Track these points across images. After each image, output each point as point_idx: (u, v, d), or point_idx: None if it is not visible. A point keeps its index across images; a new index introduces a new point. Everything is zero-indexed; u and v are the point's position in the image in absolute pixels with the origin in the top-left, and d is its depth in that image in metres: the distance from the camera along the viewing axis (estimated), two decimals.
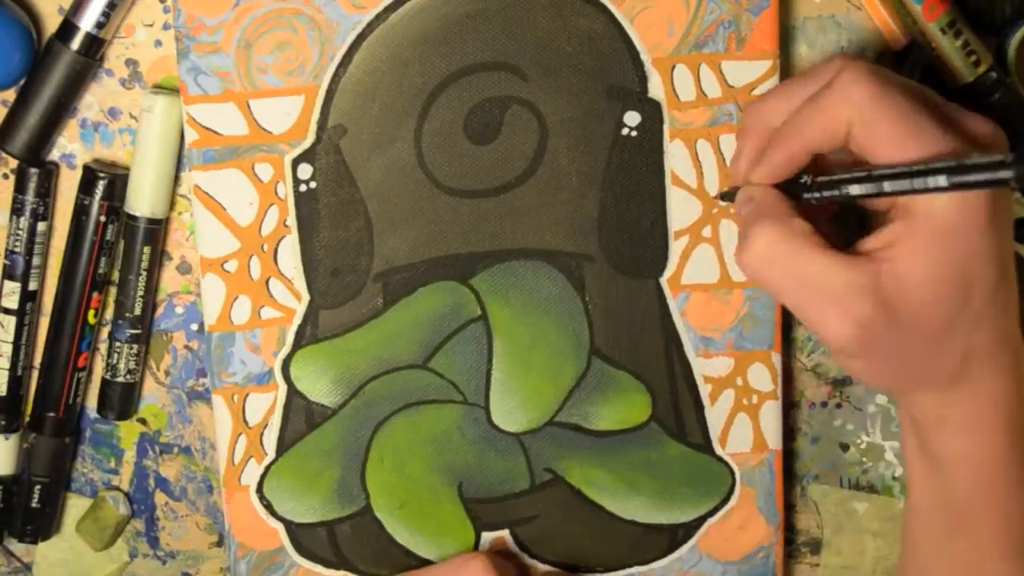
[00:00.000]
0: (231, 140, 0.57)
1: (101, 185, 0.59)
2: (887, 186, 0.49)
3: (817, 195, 0.52)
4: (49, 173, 0.59)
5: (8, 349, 0.60)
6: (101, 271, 0.60)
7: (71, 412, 0.61)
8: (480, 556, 0.60)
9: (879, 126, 0.49)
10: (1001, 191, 0.50)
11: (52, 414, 0.61)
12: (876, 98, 0.49)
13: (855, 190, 0.50)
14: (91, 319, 0.60)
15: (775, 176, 0.53)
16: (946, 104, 0.52)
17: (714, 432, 0.62)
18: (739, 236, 0.53)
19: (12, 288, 0.59)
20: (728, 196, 0.57)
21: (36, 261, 0.60)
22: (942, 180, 0.47)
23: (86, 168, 0.59)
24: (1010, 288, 0.52)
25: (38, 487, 0.62)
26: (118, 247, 0.60)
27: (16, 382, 0.61)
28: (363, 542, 0.61)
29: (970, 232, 0.49)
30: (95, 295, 0.60)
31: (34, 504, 0.62)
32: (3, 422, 0.61)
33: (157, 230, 0.59)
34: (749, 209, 0.53)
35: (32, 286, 0.60)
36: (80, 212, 0.59)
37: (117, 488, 0.64)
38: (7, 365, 0.60)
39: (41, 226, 0.59)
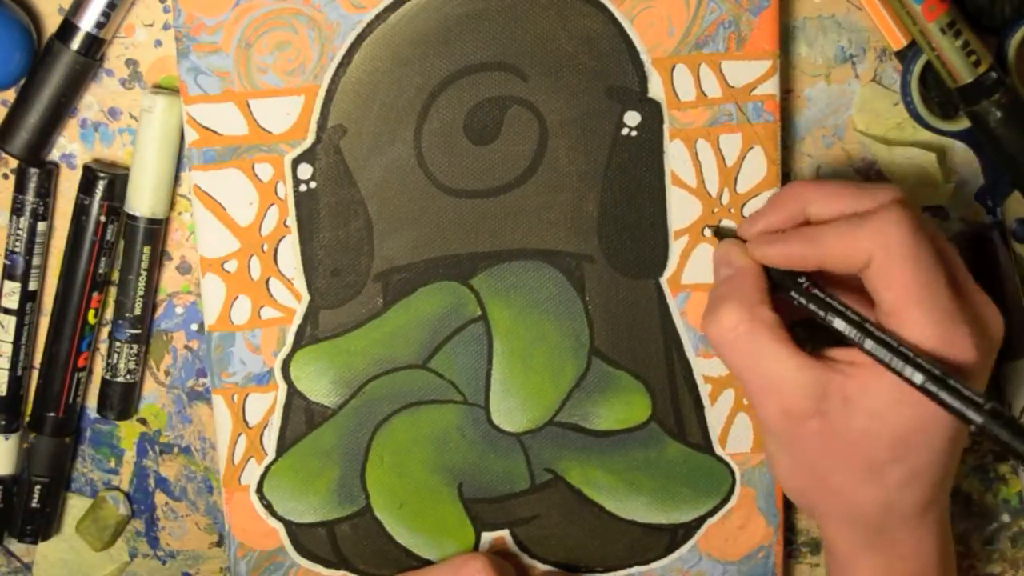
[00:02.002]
0: (231, 140, 0.57)
1: (101, 185, 0.59)
2: (868, 344, 0.50)
3: (802, 301, 0.53)
4: (49, 173, 0.59)
5: (8, 349, 0.60)
6: (101, 271, 0.60)
7: (71, 412, 0.61)
8: (479, 557, 0.60)
9: (894, 279, 0.50)
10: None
11: (52, 414, 0.61)
12: (905, 252, 0.50)
13: (838, 324, 0.52)
14: (91, 319, 0.60)
15: (774, 264, 0.54)
16: (967, 279, 0.53)
17: (714, 432, 0.62)
18: (709, 300, 0.55)
19: (12, 288, 0.59)
20: (720, 233, 0.57)
21: (36, 261, 0.60)
22: (918, 377, 0.49)
23: (86, 168, 0.59)
24: (952, 465, 0.53)
25: (38, 487, 0.62)
26: (118, 247, 0.60)
27: (16, 382, 0.61)
28: (363, 542, 0.61)
29: (939, 422, 0.51)
30: (95, 295, 0.60)
31: (34, 504, 0.62)
32: (3, 422, 0.61)
33: (157, 230, 0.59)
34: (726, 275, 0.55)
35: (32, 286, 0.60)
36: (80, 212, 0.59)
37: (117, 488, 0.64)
38: (7, 365, 0.60)
39: (41, 226, 0.59)
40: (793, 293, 0.53)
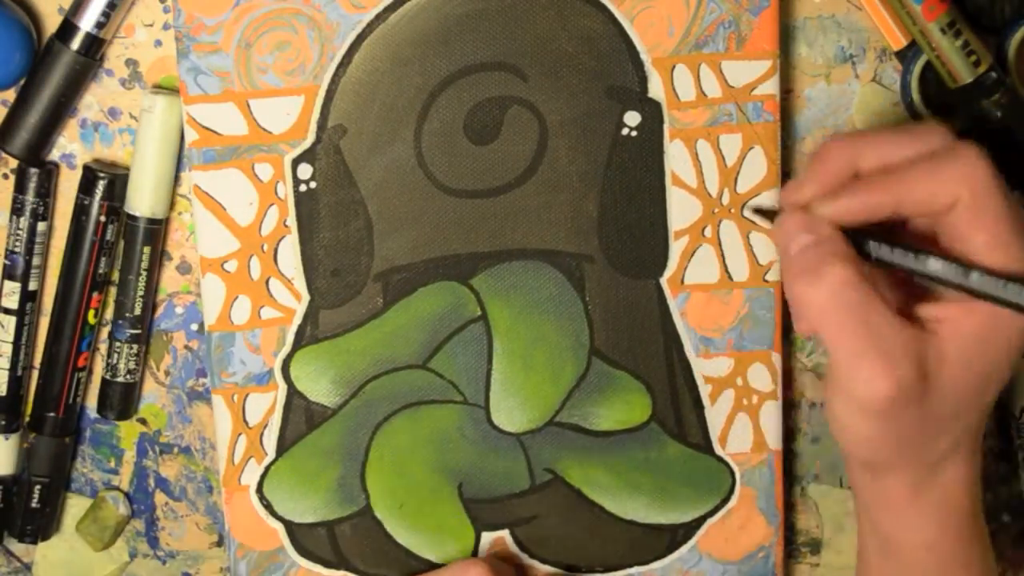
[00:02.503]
0: (231, 140, 0.57)
1: (101, 185, 0.58)
2: (975, 278, 0.48)
3: (887, 257, 0.50)
4: (49, 173, 0.59)
5: (8, 349, 0.60)
6: (101, 271, 0.60)
7: (71, 412, 0.61)
8: (479, 562, 0.60)
9: (987, 217, 0.48)
10: None
11: (52, 414, 0.61)
12: (994, 189, 0.48)
13: (934, 267, 0.49)
14: (91, 319, 0.60)
15: (850, 217, 0.50)
16: None
17: (714, 432, 0.62)
18: (798, 268, 0.50)
19: (12, 288, 0.59)
20: (765, 214, 0.54)
21: (36, 261, 0.60)
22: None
23: (86, 168, 0.59)
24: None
25: (38, 487, 0.62)
26: (118, 247, 0.60)
27: (16, 382, 0.61)
28: (363, 542, 0.61)
29: (1016, 337, 0.49)
30: (95, 295, 0.60)
31: (34, 504, 0.62)
32: (3, 422, 0.61)
33: (157, 230, 0.59)
34: (806, 243, 0.50)
35: (32, 286, 0.60)
36: (80, 212, 0.59)
37: (117, 488, 0.64)
38: (7, 365, 0.60)
39: (41, 226, 0.59)
40: (873, 252, 0.50)
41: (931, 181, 0.48)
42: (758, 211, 0.56)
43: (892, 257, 0.50)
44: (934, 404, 0.50)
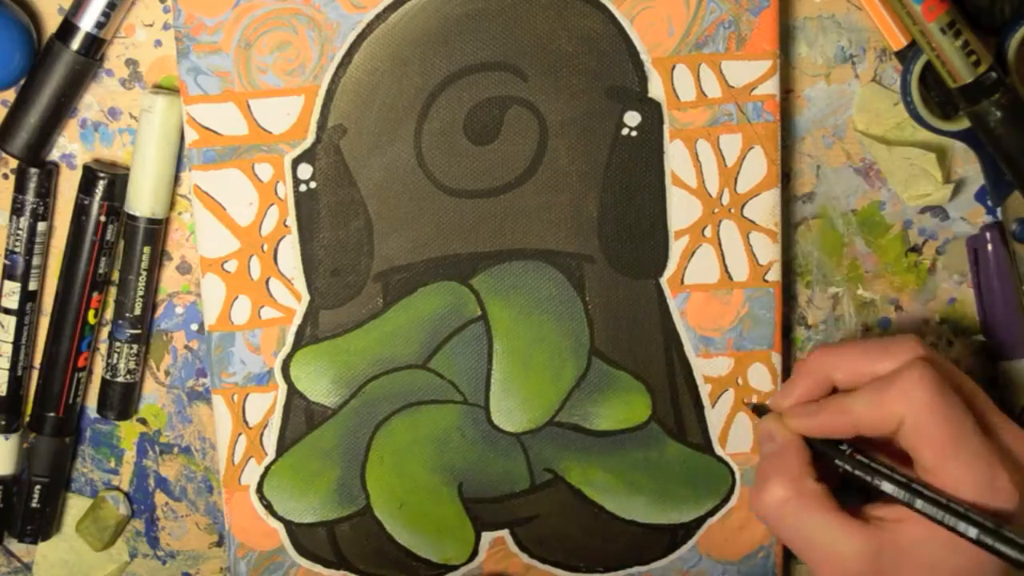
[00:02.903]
0: (231, 140, 0.57)
1: (101, 185, 0.58)
2: (919, 504, 0.51)
3: (848, 469, 0.54)
4: (49, 173, 0.59)
5: (8, 349, 0.60)
6: (101, 271, 0.60)
7: (71, 412, 0.61)
8: None
9: (927, 436, 0.51)
10: None
11: (52, 414, 0.61)
12: (933, 409, 0.51)
13: (887, 488, 0.52)
14: (91, 319, 0.60)
15: (811, 434, 0.55)
16: (996, 416, 0.54)
17: (714, 432, 0.62)
18: (756, 476, 0.55)
19: (12, 288, 0.59)
20: (759, 410, 0.58)
21: (36, 261, 0.60)
22: (972, 531, 0.50)
23: (86, 168, 0.59)
24: None
25: (38, 487, 0.62)
26: (118, 247, 0.60)
27: (16, 382, 0.61)
28: (363, 542, 0.61)
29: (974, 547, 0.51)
30: (95, 295, 0.60)
31: (34, 504, 0.62)
32: (3, 422, 0.61)
33: (157, 230, 0.59)
34: (770, 450, 0.55)
35: (32, 286, 0.60)
36: (80, 212, 0.59)
37: (117, 488, 0.64)
38: (7, 365, 0.60)
39: (41, 226, 0.59)
40: (838, 461, 0.54)
41: (876, 407, 0.52)
42: (755, 407, 0.60)
43: (853, 472, 0.54)
44: None
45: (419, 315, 0.59)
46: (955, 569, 0.52)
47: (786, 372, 0.63)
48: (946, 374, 0.53)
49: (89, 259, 0.59)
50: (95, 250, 0.59)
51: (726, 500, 0.62)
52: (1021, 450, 0.53)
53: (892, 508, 0.53)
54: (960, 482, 0.51)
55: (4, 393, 0.60)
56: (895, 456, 0.54)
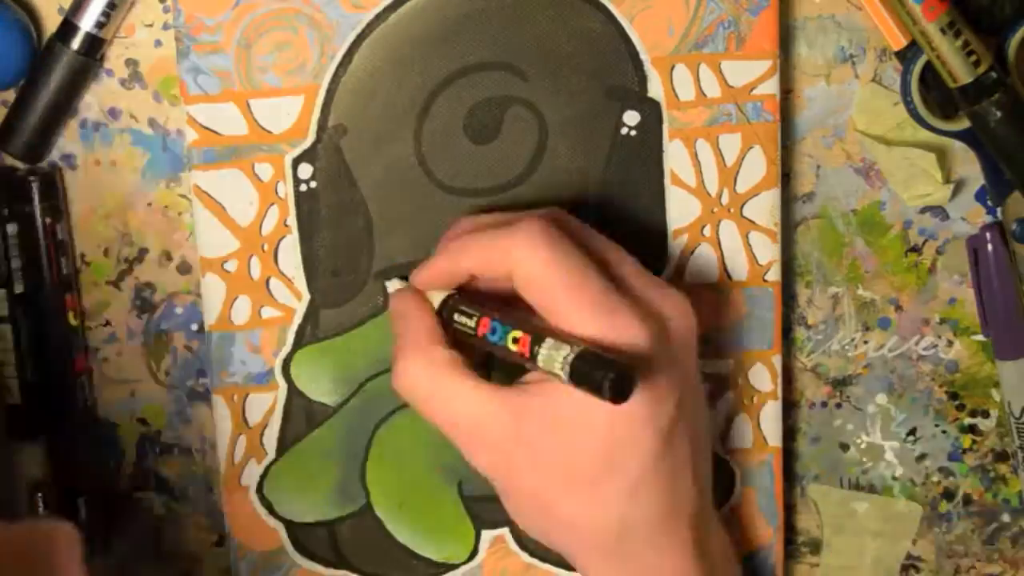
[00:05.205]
0: (231, 140, 0.57)
1: (35, 187, 0.58)
2: (511, 342, 0.50)
3: (454, 319, 0.53)
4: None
5: (11, 357, 0.59)
6: (65, 271, 0.59)
7: (71, 413, 0.61)
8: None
9: (542, 279, 0.50)
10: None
11: (53, 415, 0.61)
12: (545, 252, 0.50)
13: (472, 325, 0.52)
14: (72, 321, 0.60)
15: (427, 284, 0.54)
16: (637, 274, 0.53)
17: (714, 432, 0.61)
18: (393, 353, 0.53)
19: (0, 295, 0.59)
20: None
21: (15, 264, 0.58)
22: (557, 366, 0.48)
23: (12, 174, 0.58)
24: (681, 473, 0.52)
25: (40, 493, 0.61)
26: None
27: (30, 389, 0.60)
28: (363, 542, 0.61)
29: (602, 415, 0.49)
30: (68, 296, 0.59)
31: (40, 511, 0.62)
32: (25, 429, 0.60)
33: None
34: (400, 328, 0.54)
35: (18, 290, 0.59)
36: (26, 220, 0.58)
37: None
38: (14, 374, 0.59)
39: (10, 228, 0.58)
40: (444, 314, 0.53)
41: (489, 247, 0.51)
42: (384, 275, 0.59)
43: (455, 321, 0.53)
44: (554, 469, 0.51)
45: None
46: (598, 428, 0.49)
47: (786, 372, 0.63)
48: (571, 230, 0.52)
49: (50, 263, 0.58)
50: (52, 252, 0.58)
51: (726, 500, 0.62)
52: (667, 304, 0.52)
53: (536, 372, 0.51)
54: (577, 325, 0.49)
55: (19, 401, 0.60)
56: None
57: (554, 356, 0.48)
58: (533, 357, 0.49)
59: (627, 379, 0.46)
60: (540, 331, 0.49)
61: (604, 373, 0.46)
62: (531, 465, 0.51)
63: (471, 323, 0.52)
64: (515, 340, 0.50)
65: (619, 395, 0.46)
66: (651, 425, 0.50)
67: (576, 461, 0.50)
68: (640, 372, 0.48)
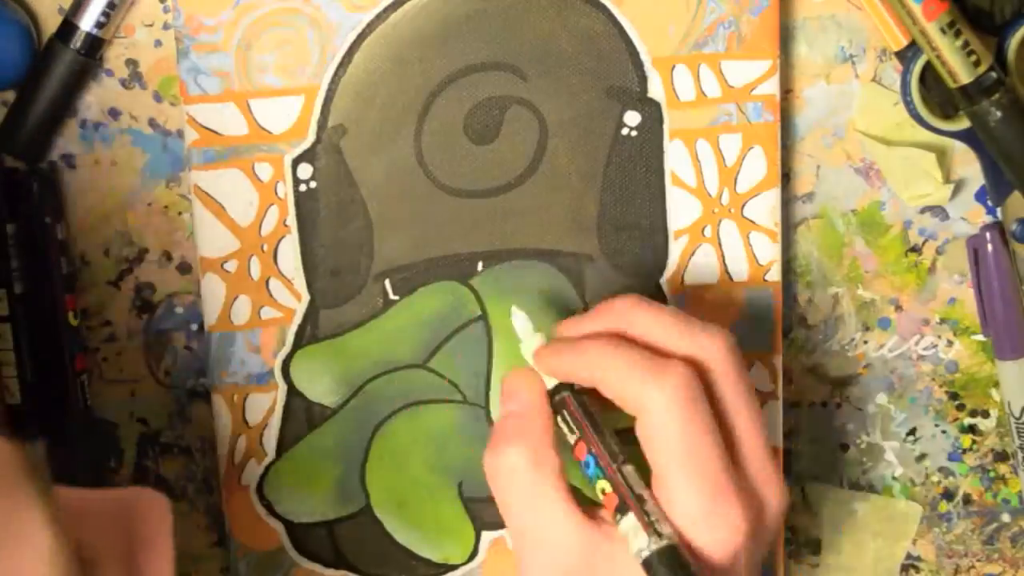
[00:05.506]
0: (231, 140, 0.57)
1: (35, 187, 0.58)
2: (600, 480, 0.49)
3: (564, 415, 0.51)
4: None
5: (11, 357, 0.59)
6: (65, 271, 0.59)
7: (71, 413, 0.61)
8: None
9: (660, 440, 0.48)
10: None
11: (53, 416, 0.61)
12: (674, 415, 0.48)
13: (571, 440, 0.50)
14: (72, 321, 0.60)
15: (551, 371, 0.52)
16: (756, 452, 0.50)
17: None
18: (494, 434, 0.51)
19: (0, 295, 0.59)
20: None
21: (15, 264, 0.58)
22: (642, 541, 0.47)
23: (10, 174, 0.58)
24: None
25: None
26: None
27: (30, 389, 0.60)
28: (363, 542, 0.61)
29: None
30: (68, 296, 0.59)
31: None
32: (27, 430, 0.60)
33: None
34: (512, 409, 0.52)
35: (18, 289, 0.59)
36: (29, 219, 0.58)
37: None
38: (14, 373, 0.59)
39: (10, 228, 0.58)
40: (552, 398, 0.52)
41: (624, 384, 0.49)
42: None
43: (560, 420, 0.51)
44: None
45: (419, 315, 0.59)
46: None
47: (786, 372, 0.63)
48: (720, 377, 0.50)
49: (52, 262, 0.58)
50: (54, 251, 0.58)
51: None
52: (768, 493, 0.50)
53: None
54: (679, 497, 0.48)
55: (19, 401, 0.60)
56: None
57: (634, 536, 0.47)
58: (619, 514, 0.48)
59: None
60: (626, 500, 0.48)
61: None
62: None
63: (570, 438, 0.51)
64: (603, 491, 0.49)
65: None
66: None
67: None
68: (724, 558, 0.48)
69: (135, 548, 0.42)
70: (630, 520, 0.48)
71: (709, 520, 0.47)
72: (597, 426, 0.50)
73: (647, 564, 0.46)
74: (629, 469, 0.49)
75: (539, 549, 0.50)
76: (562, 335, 0.53)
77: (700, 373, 0.49)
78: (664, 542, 0.46)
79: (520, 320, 0.54)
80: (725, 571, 0.48)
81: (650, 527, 0.47)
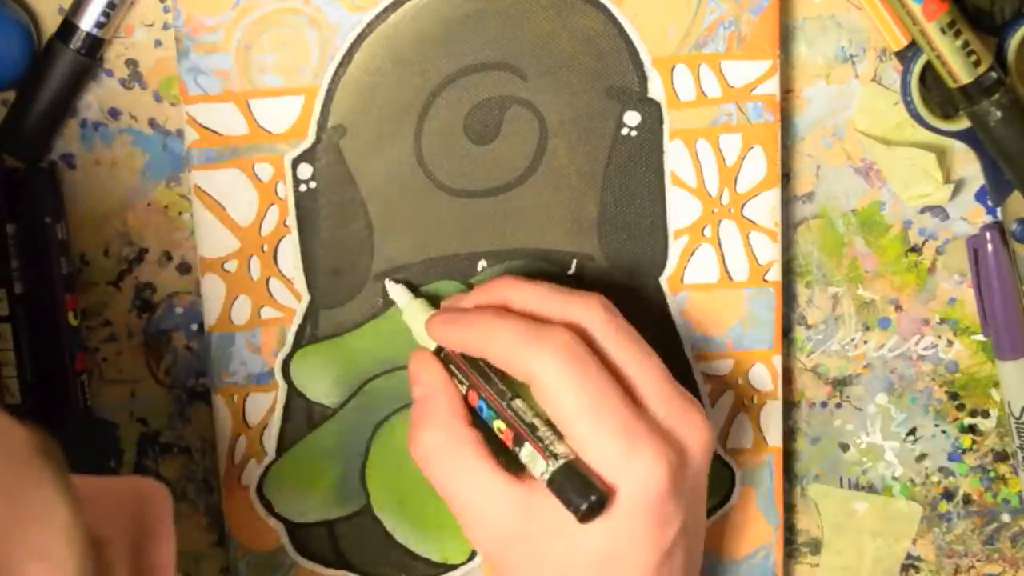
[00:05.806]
0: (231, 140, 0.57)
1: (35, 188, 0.58)
2: (496, 429, 0.51)
3: (457, 374, 0.53)
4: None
5: (11, 357, 0.59)
6: (66, 271, 0.59)
7: (72, 413, 0.61)
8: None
9: (556, 400, 0.50)
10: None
11: (53, 415, 0.61)
12: (565, 374, 0.49)
13: (464, 391, 0.52)
14: (72, 321, 0.60)
15: (444, 342, 0.54)
16: (664, 388, 0.52)
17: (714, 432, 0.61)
18: (411, 420, 0.54)
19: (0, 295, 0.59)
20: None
21: (15, 264, 0.58)
22: (540, 466, 0.48)
23: (11, 173, 0.58)
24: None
25: None
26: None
27: (30, 389, 0.60)
28: (363, 542, 0.61)
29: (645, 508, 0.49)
30: (68, 296, 0.59)
31: None
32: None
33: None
34: (420, 393, 0.54)
35: (18, 290, 0.59)
36: (29, 218, 0.58)
37: None
38: (14, 373, 0.59)
39: (10, 228, 0.58)
40: (452, 367, 0.53)
41: (511, 353, 0.51)
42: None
43: (456, 374, 0.53)
44: (548, 568, 0.50)
45: None
46: (597, 541, 0.49)
47: (786, 372, 0.63)
48: (605, 334, 0.51)
49: (53, 263, 0.58)
50: (54, 251, 0.58)
51: (726, 500, 0.62)
52: (688, 422, 0.51)
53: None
54: (595, 447, 0.49)
55: (19, 401, 0.60)
56: None
57: (533, 463, 0.49)
58: (517, 446, 0.50)
59: (601, 504, 0.48)
60: (519, 430, 0.50)
61: (581, 494, 0.48)
62: (527, 562, 0.51)
63: (462, 389, 0.53)
64: (500, 429, 0.51)
65: (588, 517, 0.48)
66: (653, 546, 0.50)
67: (572, 568, 0.50)
68: (651, 496, 0.49)
69: (140, 532, 0.44)
70: (527, 449, 0.49)
71: (625, 460, 0.49)
72: (483, 372, 0.52)
73: (551, 485, 0.48)
74: (518, 403, 0.51)
75: (477, 521, 0.52)
76: (428, 329, 0.55)
77: (582, 336, 0.51)
78: (560, 462, 0.48)
79: (395, 289, 0.57)
80: (656, 509, 0.49)
81: (545, 451, 0.49)
